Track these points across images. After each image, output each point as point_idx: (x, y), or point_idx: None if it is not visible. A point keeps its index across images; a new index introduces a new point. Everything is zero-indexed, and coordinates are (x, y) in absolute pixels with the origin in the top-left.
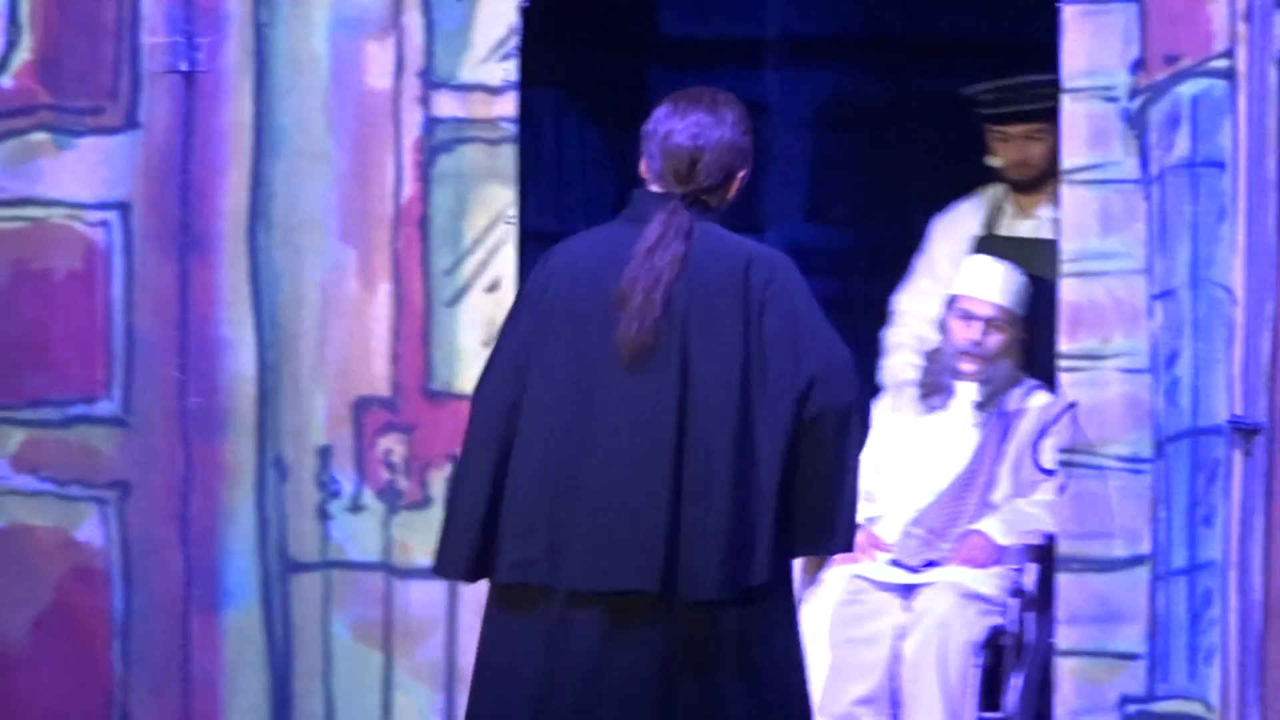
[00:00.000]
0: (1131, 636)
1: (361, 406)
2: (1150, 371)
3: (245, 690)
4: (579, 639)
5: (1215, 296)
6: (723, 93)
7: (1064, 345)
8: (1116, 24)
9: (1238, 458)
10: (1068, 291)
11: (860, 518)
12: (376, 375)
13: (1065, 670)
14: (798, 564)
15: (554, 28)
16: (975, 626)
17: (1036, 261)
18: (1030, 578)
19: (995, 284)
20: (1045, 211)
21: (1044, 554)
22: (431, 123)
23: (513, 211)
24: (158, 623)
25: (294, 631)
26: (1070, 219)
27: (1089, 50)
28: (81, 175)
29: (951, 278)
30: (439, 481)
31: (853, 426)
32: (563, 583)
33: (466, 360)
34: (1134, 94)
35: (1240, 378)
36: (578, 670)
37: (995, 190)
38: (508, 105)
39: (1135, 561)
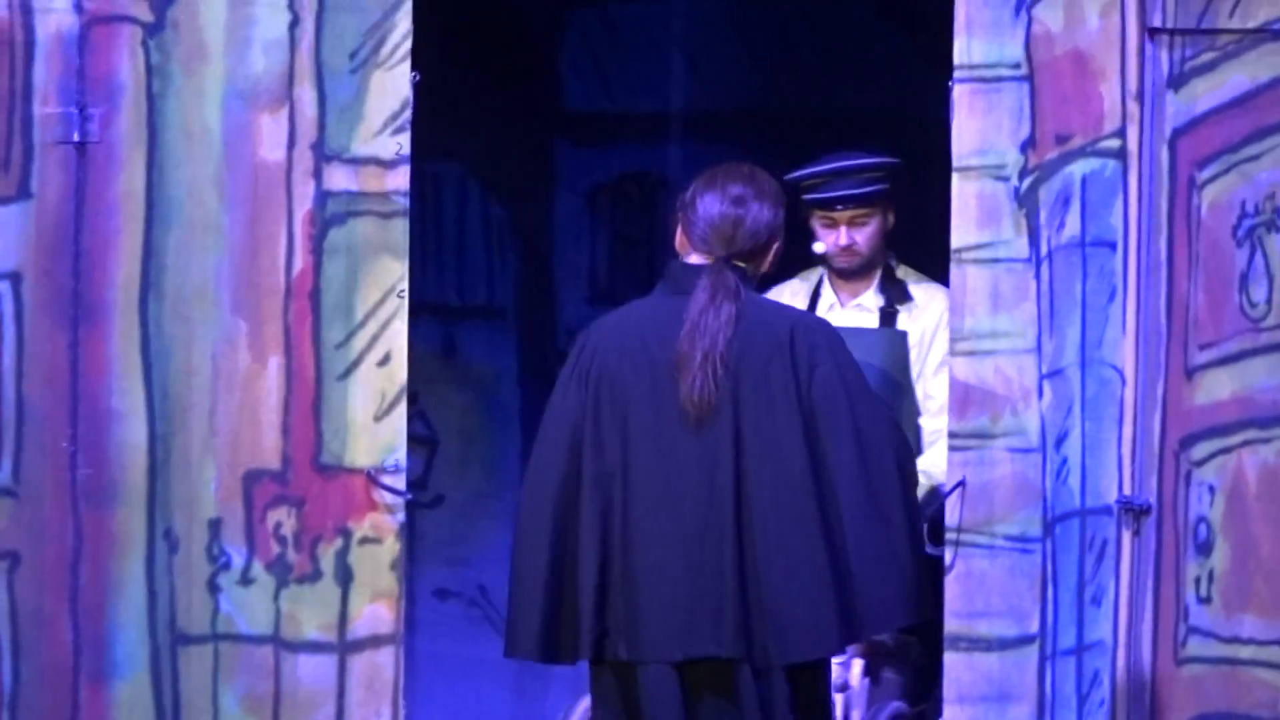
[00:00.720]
0: (1019, 716)
1: (252, 479)
2: (1039, 451)
3: None
4: (665, 708)
5: (1105, 376)
6: (757, 167)
7: (953, 424)
8: (1007, 103)
9: (1127, 538)
10: (957, 370)
11: None
12: (267, 448)
13: None
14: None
15: (457, 101)
16: None
17: (860, 353)
18: (856, 672)
19: None
20: (869, 299)
21: (871, 647)
22: (324, 195)
23: (404, 285)
24: (46, 694)
25: (183, 704)
26: (960, 297)
27: (980, 129)
28: None
29: None
30: (329, 555)
31: (909, 485)
32: (642, 656)
33: (357, 433)
34: (1024, 173)
35: (1130, 457)
36: None
37: (814, 274)
38: (400, 179)
39: (1024, 641)
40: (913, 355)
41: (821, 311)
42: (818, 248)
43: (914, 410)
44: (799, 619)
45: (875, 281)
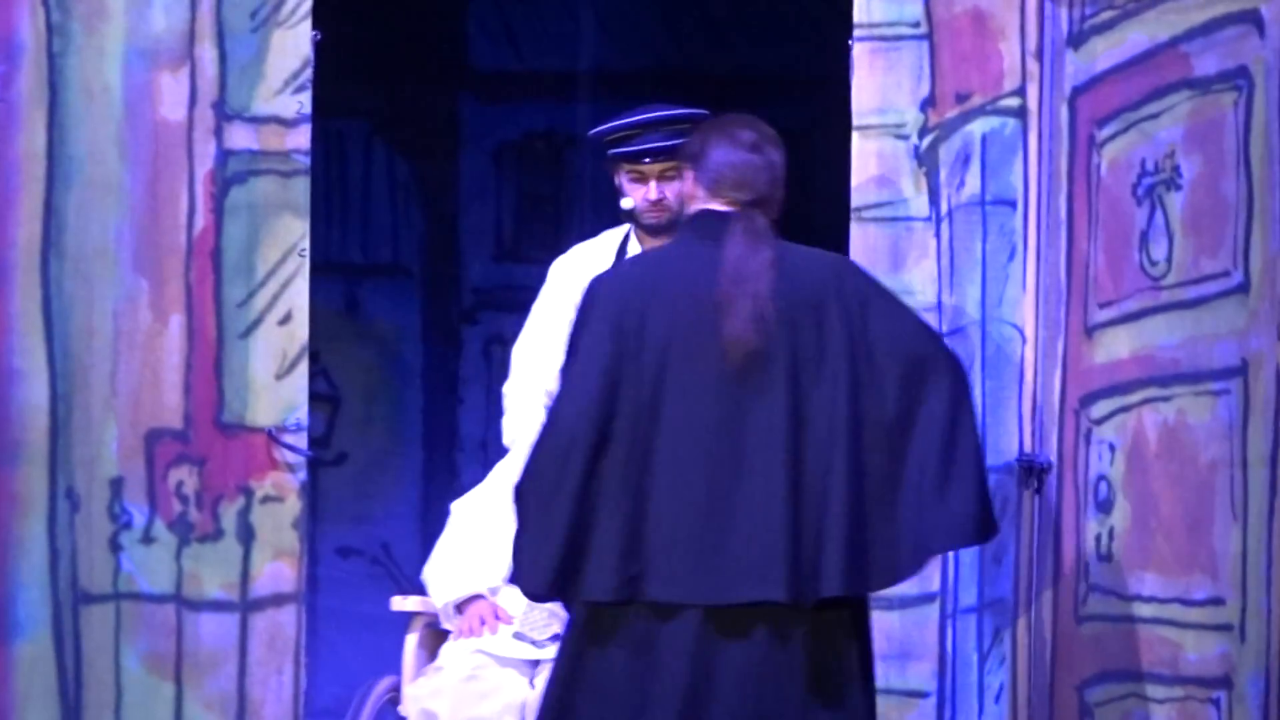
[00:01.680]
0: (921, 674)
1: (153, 438)
2: None
3: None
4: (678, 653)
5: (1005, 334)
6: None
7: None
8: (907, 61)
9: (1027, 496)
10: None
11: (482, 587)
12: (168, 407)
13: None
14: (413, 643)
15: (362, 59)
16: None
17: None
18: None
19: None
20: None
21: None
22: (225, 154)
23: (305, 244)
24: None
25: (85, 663)
26: (859, 255)
27: (879, 87)
28: None
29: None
30: (231, 513)
31: (968, 411)
32: (679, 598)
33: (258, 392)
34: (924, 131)
35: (1030, 416)
36: (680, 685)
37: (616, 234)
38: (301, 138)
39: (925, 599)
40: None
41: None
42: (626, 203)
43: None
44: (869, 550)
45: None
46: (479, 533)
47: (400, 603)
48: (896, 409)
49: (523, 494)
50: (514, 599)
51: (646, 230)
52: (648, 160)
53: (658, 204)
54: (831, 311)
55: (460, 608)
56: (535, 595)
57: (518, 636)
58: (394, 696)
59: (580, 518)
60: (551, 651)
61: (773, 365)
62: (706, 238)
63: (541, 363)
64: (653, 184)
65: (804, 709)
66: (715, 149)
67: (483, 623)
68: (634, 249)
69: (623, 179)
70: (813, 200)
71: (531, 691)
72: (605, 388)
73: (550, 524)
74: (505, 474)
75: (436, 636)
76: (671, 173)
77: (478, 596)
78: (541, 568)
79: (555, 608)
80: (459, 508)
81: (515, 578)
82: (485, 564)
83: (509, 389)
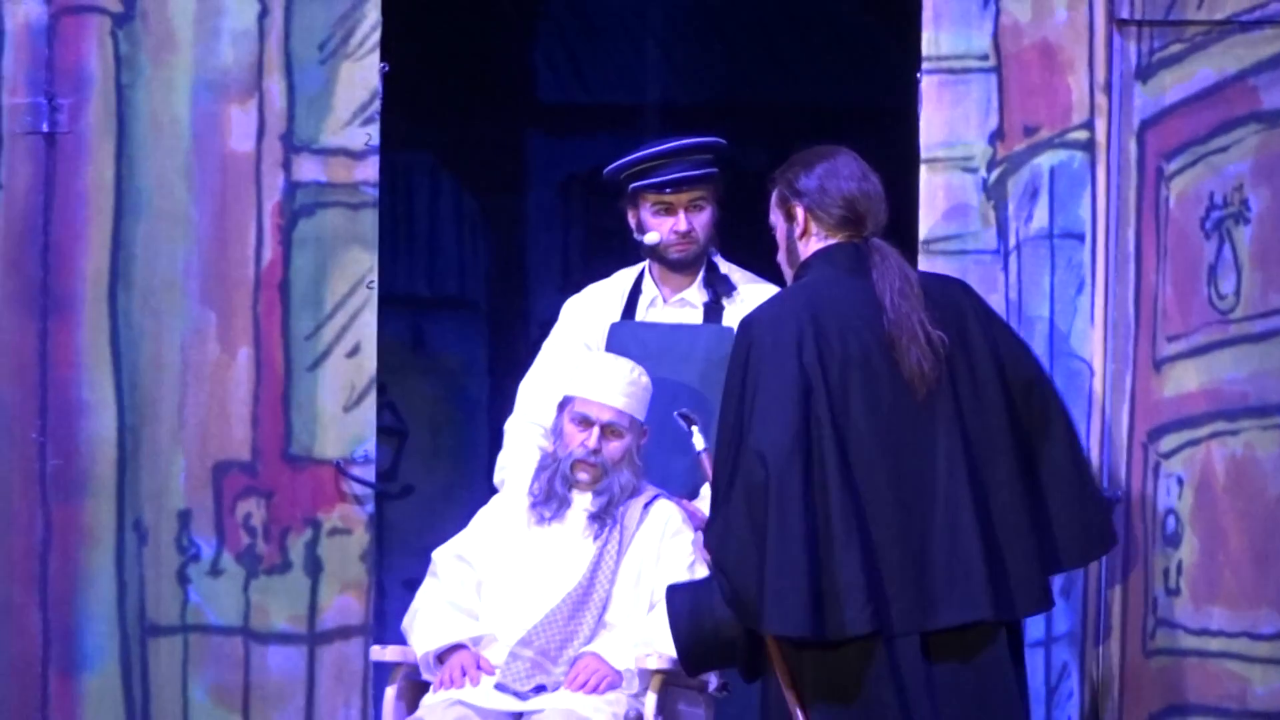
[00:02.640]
0: None
1: (221, 470)
2: None
3: None
4: (901, 682)
5: (1073, 368)
6: None
7: None
8: (975, 94)
9: None
10: None
11: (463, 637)
12: (236, 439)
13: None
14: (391, 694)
15: (429, 92)
16: None
17: (683, 349)
18: (650, 705)
19: (615, 386)
20: (693, 295)
21: (667, 678)
22: (292, 186)
23: (373, 276)
24: (15, 686)
25: (153, 695)
26: None
27: (947, 120)
28: None
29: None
30: (298, 545)
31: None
32: (909, 626)
33: (326, 425)
34: (992, 164)
35: (1098, 449)
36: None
37: (629, 273)
38: (370, 169)
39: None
40: None
41: (642, 309)
42: (650, 238)
43: None
44: (1034, 569)
45: (699, 276)
46: (460, 582)
47: (379, 653)
48: (1029, 426)
49: (734, 536)
50: (496, 648)
51: (670, 266)
52: (669, 191)
53: (686, 235)
54: (972, 331)
55: (441, 658)
56: (796, 632)
57: (499, 688)
58: None
59: (814, 553)
60: (535, 704)
61: (942, 391)
62: (850, 272)
63: (546, 402)
64: (681, 215)
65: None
66: (831, 182)
67: (464, 673)
68: (649, 289)
69: (645, 213)
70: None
71: None
72: (803, 423)
73: (793, 562)
74: (486, 521)
75: (416, 688)
76: (699, 203)
77: (459, 646)
78: (798, 607)
79: (539, 658)
80: (440, 556)
81: (768, 618)
82: (466, 613)
83: (511, 425)
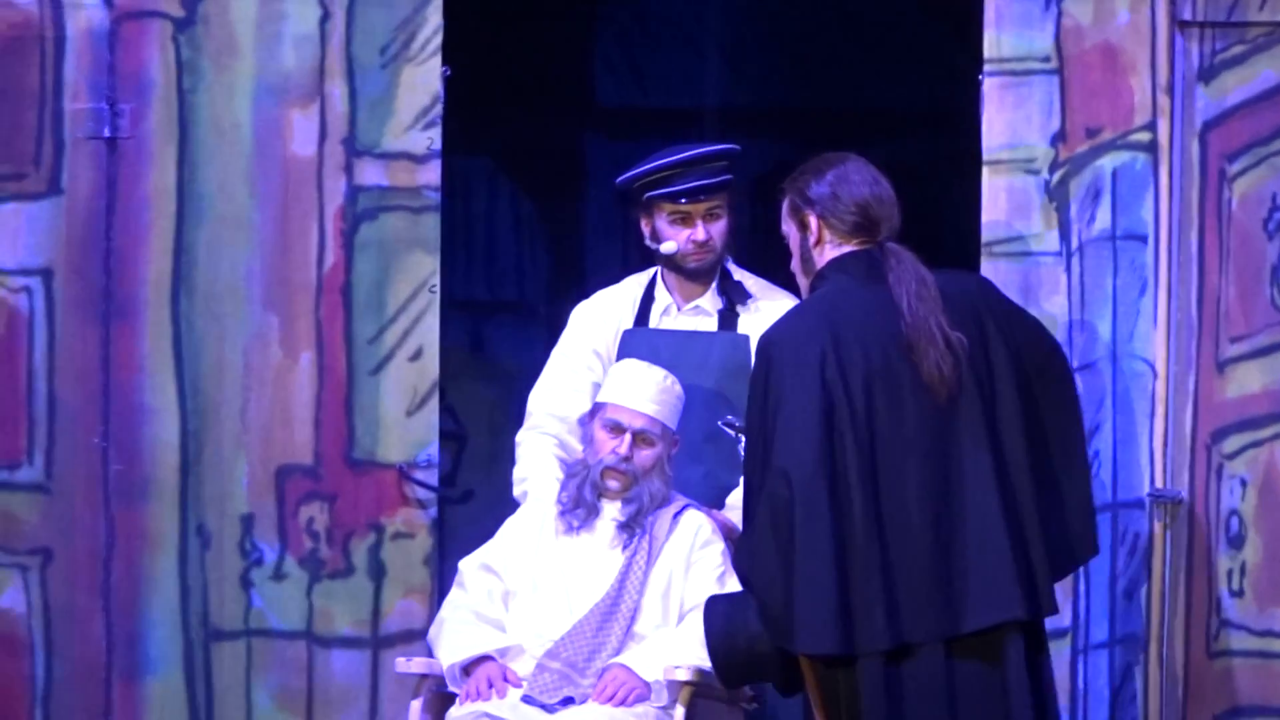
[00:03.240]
0: None
1: (284, 474)
2: None
3: None
4: (928, 690)
5: (1136, 369)
6: None
7: None
8: (1037, 96)
9: (1159, 530)
10: None
11: (490, 648)
12: (299, 443)
13: None
14: (417, 707)
15: (487, 96)
16: None
17: (697, 357)
18: (679, 718)
19: (647, 393)
20: (707, 302)
21: (696, 689)
22: (354, 191)
23: (436, 280)
24: (79, 691)
25: (216, 700)
26: None
27: (1009, 122)
28: (4, 242)
29: (590, 374)
30: (361, 550)
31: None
32: (936, 633)
33: (389, 428)
34: (1054, 166)
35: (1161, 451)
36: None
37: (640, 279)
38: (432, 173)
39: (1056, 635)
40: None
41: (655, 316)
42: (666, 247)
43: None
44: (1046, 570)
45: (714, 284)
46: (487, 592)
47: (404, 665)
48: (1044, 419)
49: (774, 551)
50: (523, 660)
51: (687, 274)
52: (686, 201)
53: (704, 245)
54: (989, 328)
55: (467, 669)
56: (826, 650)
57: (526, 700)
58: None
59: (842, 571)
60: (563, 716)
61: (965, 393)
62: (867, 279)
63: (558, 412)
64: (699, 225)
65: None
66: (843, 189)
67: (490, 685)
68: (662, 296)
69: (661, 222)
70: (940, 236)
71: None
72: (826, 439)
73: (820, 581)
74: (513, 531)
75: (442, 700)
76: (716, 211)
77: (486, 658)
78: (827, 625)
79: (566, 669)
80: (466, 566)
81: (799, 637)
82: (493, 624)
83: (523, 437)
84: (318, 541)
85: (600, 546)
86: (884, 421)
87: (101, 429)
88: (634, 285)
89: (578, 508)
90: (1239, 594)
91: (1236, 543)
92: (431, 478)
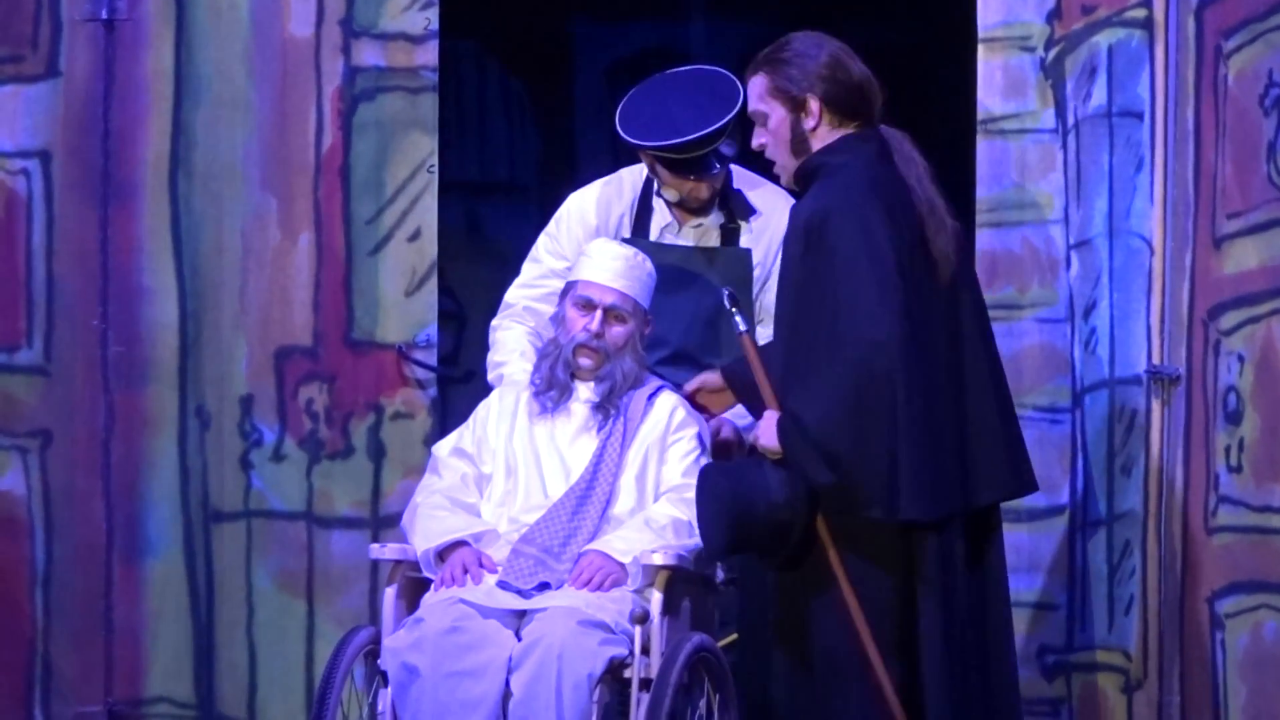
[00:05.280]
0: (1050, 587)
1: (283, 355)
2: (1067, 321)
3: (168, 639)
4: (948, 562)
5: (1133, 246)
6: None
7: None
8: None
9: (1156, 407)
10: (983, 241)
11: (464, 533)
12: (298, 324)
13: None
14: (391, 594)
15: None
16: (595, 658)
17: (700, 271)
18: (656, 602)
19: (618, 269)
20: (708, 218)
21: (672, 574)
22: (352, 71)
23: (434, 160)
24: (79, 572)
25: (216, 581)
26: (986, 169)
27: (1004, 0)
28: (1, 124)
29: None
30: (361, 431)
31: None
32: (973, 503)
33: (388, 309)
34: (1050, 44)
35: (1158, 328)
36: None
37: (635, 177)
38: (429, 54)
39: (1054, 512)
40: (756, 273)
41: (654, 232)
42: (669, 194)
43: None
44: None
45: (713, 202)
46: (461, 477)
47: (378, 551)
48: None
49: (853, 424)
50: (498, 546)
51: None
52: (692, 178)
53: (692, 196)
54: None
55: (442, 555)
56: (932, 516)
57: (502, 585)
58: (373, 649)
59: (935, 439)
60: (539, 601)
61: (960, 276)
62: (876, 160)
63: (537, 307)
64: (703, 184)
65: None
66: (841, 71)
67: (465, 571)
68: (661, 211)
69: (662, 170)
70: (934, 114)
71: (517, 645)
72: (907, 308)
73: (922, 448)
74: (487, 415)
75: (416, 586)
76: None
77: (460, 543)
78: (926, 490)
79: (542, 555)
80: (440, 451)
81: (895, 508)
82: (467, 510)
83: (498, 323)
84: (317, 422)
85: (574, 429)
86: (922, 296)
87: (100, 311)
88: (629, 186)
89: (551, 389)
90: (1237, 470)
91: (1234, 419)
92: (430, 358)
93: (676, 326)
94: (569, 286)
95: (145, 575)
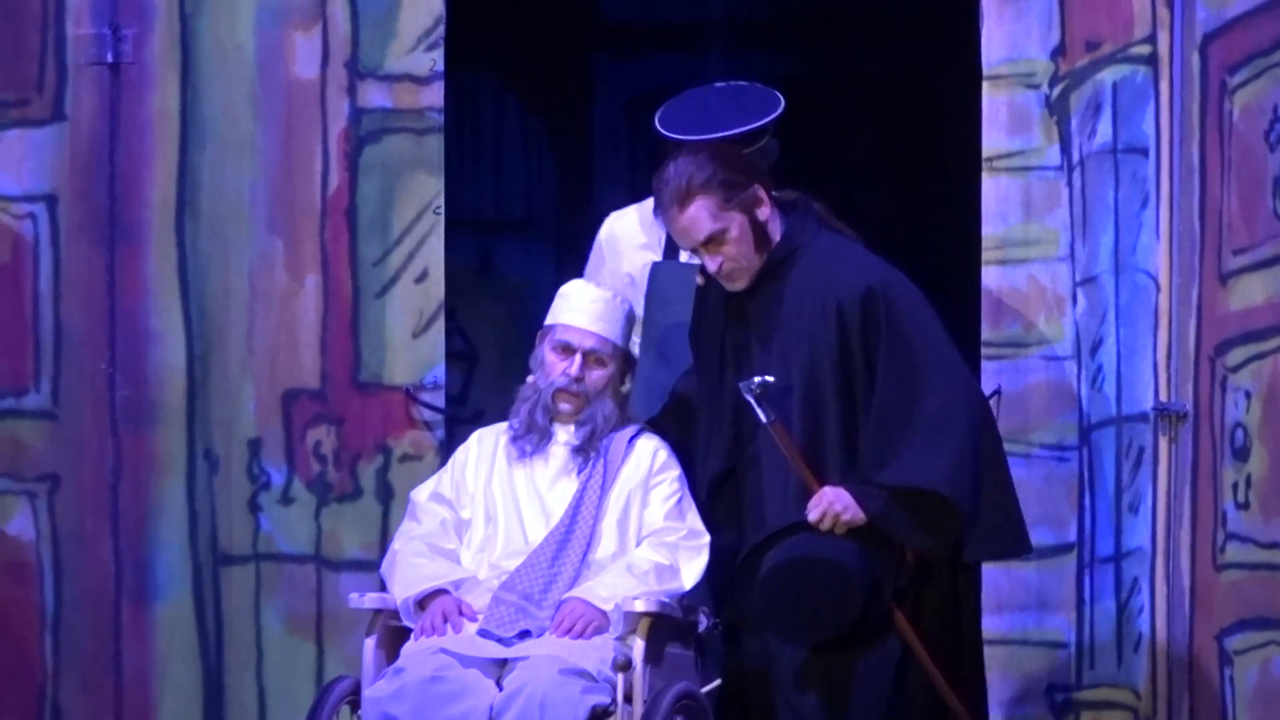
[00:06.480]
0: (1059, 624)
1: (291, 397)
2: (1074, 358)
3: (177, 682)
4: None
5: (1139, 282)
6: None
7: (987, 333)
8: (1036, 9)
9: (1164, 444)
10: (989, 279)
11: (444, 581)
12: (305, 366)
13: (993, 659)
14: (371, 643)
15: (493, 13)
16: (577, 706)
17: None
18: (638, 650)
19: (597, 311)
20: None
21: (655, 620)
22: (358, 113)
23: (440, 202)
24: (88, 616)
25: (225, 624)
26: (992, 206)
27: (1009, 36)
28: (8, 167)
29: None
30: (369, 472)
31: None
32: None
33: (395, 351)
34: (1055, 80)
35: (1165, 364)
36: None
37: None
38: (435, 95)
39: (1062, 549)
40: None
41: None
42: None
43: None
44: None
45: None
46: (440, 523)
47: (357, 600)
48: None
49: (989, 474)
50: (478, 593)
51: None
52: None
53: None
54: None
55: (421, 603)
56: (1026, 553)
57: (483, 634)
58: (353, 700)
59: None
60: (520, 649)
61: None
62: (824, 224)
63: None
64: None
65: None
66: (743, 155)
67: (445, 619)
68: None
69: None
70: (943, 148)
71: (499, 693)
72: None
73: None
74: (465, 459)
75: (397, 635)
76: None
77: (440, 591)
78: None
79: (522, 602)
80: (418, 496)
81: (1016, 544)
82: (447, 557)
83: None
84: (325, 464)
85: (554, 473)
86: None
87: (108, 354)
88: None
89: (530, 433)
90: (1244, 506)
91: (1241, 455)
92: (438, 399)
93: None
94: (548, 330)
95: (154, 618)
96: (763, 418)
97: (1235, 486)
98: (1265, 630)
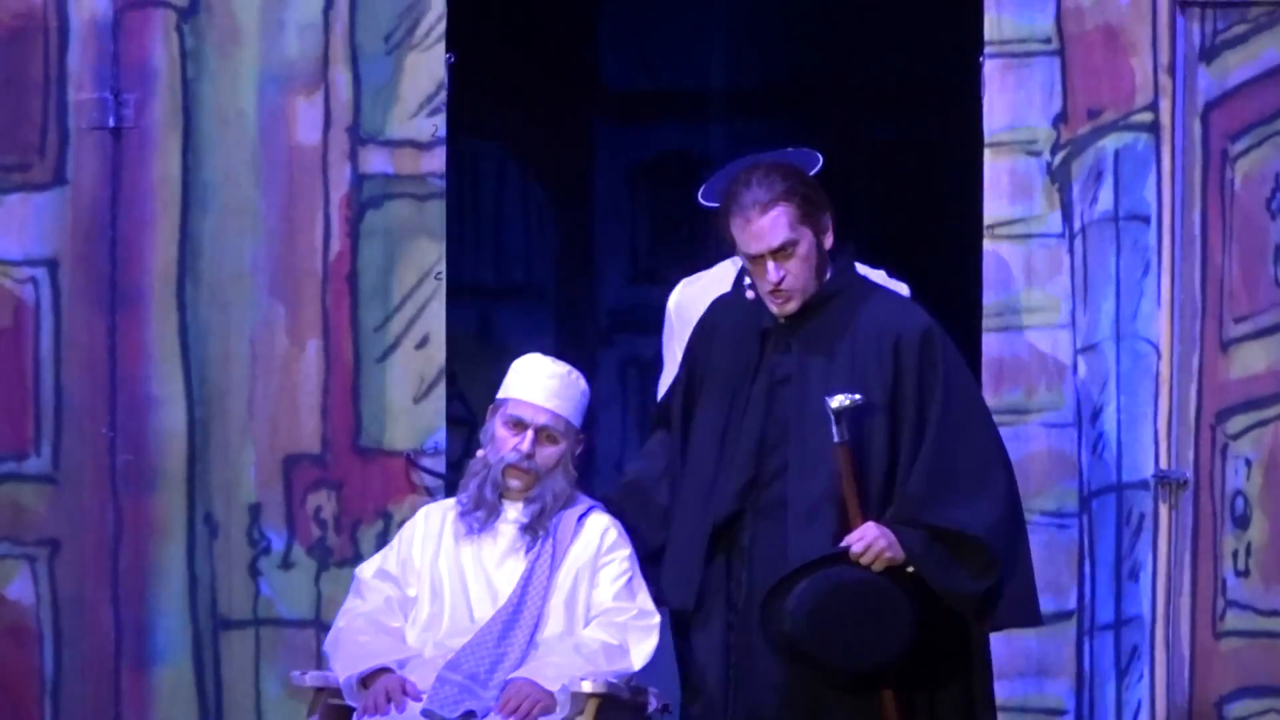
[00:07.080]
0: (1059, 691)
1: (291, 463)
2: (1074, 425)
3: None
4: None
5: (1140, 350)
6: None
7: (987, 399)
8: (1038, 77)
9: (1164, 511)
10: (990, 346)
11: (388, 659)
12: (306, 431)
13: None
14: None
15: (495, 80)
16: None
17: None
18: None
19: (550, 388)
20: None
21: (603, 701)
22: (360, 178)
23: (441, 267)
24: (88, 681)
25: (225, 689)
26: (993, 273)
27: (1011, 103)
28: (9, 231)
29: None
30: (369, 538)
31: None
32: None
33: (396, 416)
34: (1056, 147)
35: (1166, 431)
36: None
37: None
38: (436, 160)
39: (1062, 616)
40: None
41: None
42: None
43: None
44: None
45: None
46: (385, 600)
47: (299, 679)
48: None
49: (1023, 539)
50: (423, 671)
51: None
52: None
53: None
54: None
55: (365, 682)
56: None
57: (425, 714)
58: None
59: None
60: None
61: None
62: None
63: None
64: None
65: None
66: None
67: (389, 699)
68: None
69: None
70: (945, 214)
71: None
72: None
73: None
74: (412, 535)
75: (340, 714)
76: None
77: (384, 669)
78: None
79: (468, 682)
80: (363, 573)
81: (1036, 610)
82: (391, 634)
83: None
84: (325, 530)
85: (502, 551)
86: None
87: (108, 419)
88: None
89: (478, 508)
90: (1244, 574)
91: (1242, 523)
92: (439, 465)
93: None
94: (500, 404)
95: (154, 683)
96: (835, 437)
97: (1235, 554)
98: (1265, 698)
